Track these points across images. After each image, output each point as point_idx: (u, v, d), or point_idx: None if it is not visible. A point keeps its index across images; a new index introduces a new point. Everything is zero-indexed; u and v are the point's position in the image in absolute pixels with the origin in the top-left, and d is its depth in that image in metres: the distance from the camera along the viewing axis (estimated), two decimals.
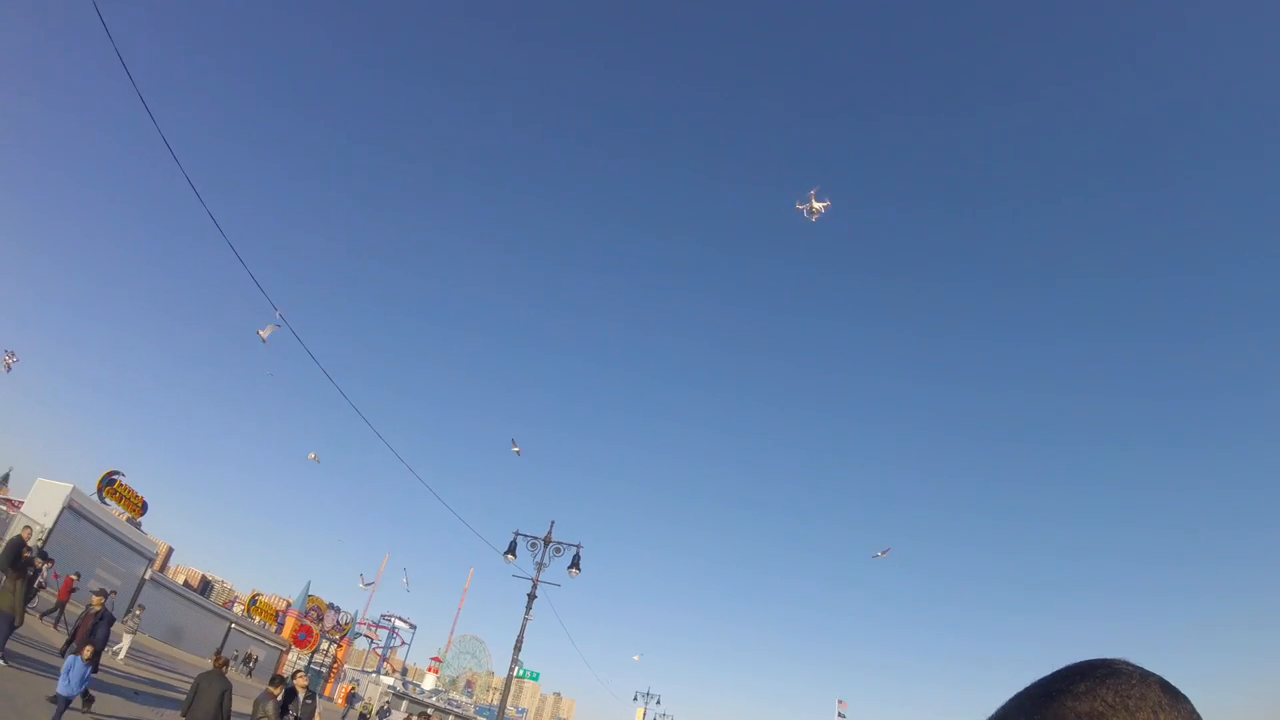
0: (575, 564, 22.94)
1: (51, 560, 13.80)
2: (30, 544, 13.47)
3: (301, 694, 11.88)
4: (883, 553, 55.10)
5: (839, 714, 78.84)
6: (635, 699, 66.91)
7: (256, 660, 45.71)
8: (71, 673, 8.65)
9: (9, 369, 41.36)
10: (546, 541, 23.07)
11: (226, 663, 11.45)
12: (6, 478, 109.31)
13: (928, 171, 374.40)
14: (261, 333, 27.51)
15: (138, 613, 27.57)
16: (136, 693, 16.44)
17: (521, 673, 25.62)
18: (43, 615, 21.97)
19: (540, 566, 22.80)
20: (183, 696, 10.52)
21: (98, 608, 10.26)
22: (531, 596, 22.74)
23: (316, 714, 11.51)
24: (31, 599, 12.33)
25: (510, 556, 22.69)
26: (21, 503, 41.93)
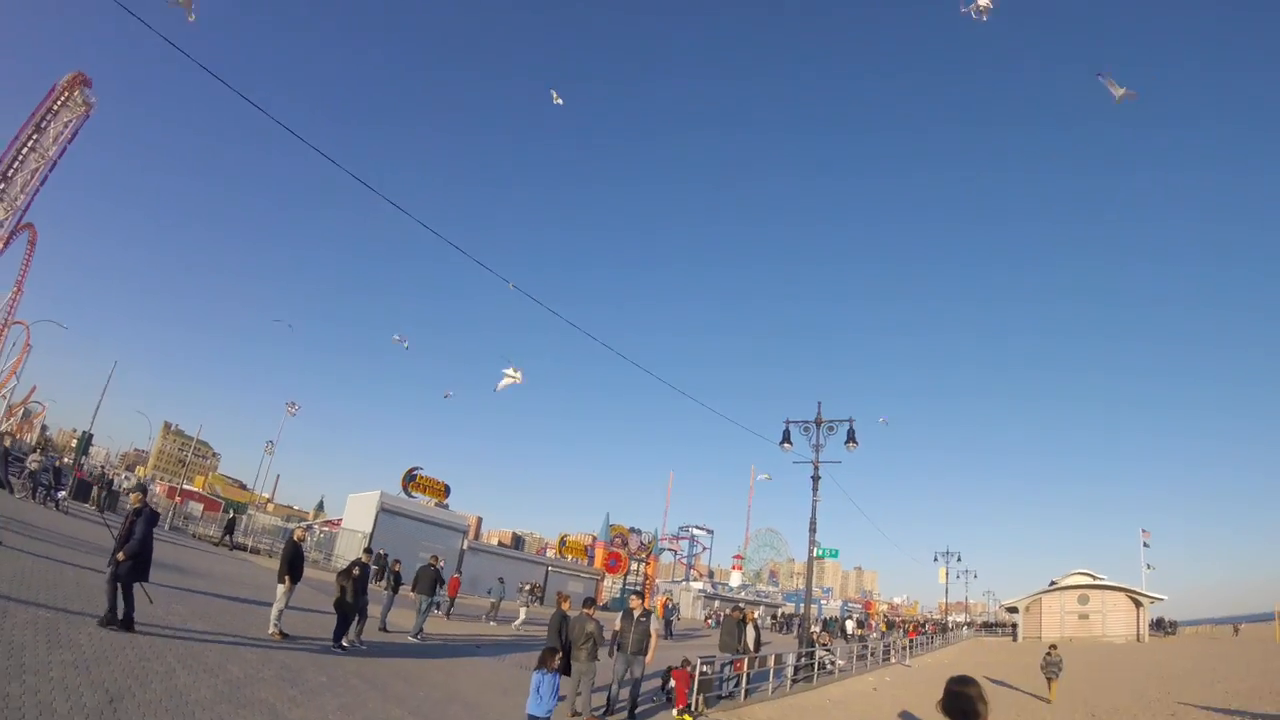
0: (851, 438, 22.40)
1: (373, 551, 15.55)
2: (364, 551, 15.57)
3: (637, 613, 12.55)
4: None
5: (1144, 543, 73.78)
6: (935, 560, 65.95)
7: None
8: (542, 688, 8.63)
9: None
10: (818, 423, 22.68)
11: (567, 599, 12.80)
12: (321, 505, 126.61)
13: None
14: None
15: (531, 587, 29.85)
16: (478, 647, 18.48)
17: (820, 552, 25.72)
18: (447, 614, 24.66)
19: (817, 448, 22.57)
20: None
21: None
22: (815, 479, 22.60)
23: (653, 631, 12.06)
24: (363, 594, 13.97)
25: (786, 445, 22.59)
26: (340, 520, 47.90)
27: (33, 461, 29.76)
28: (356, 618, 13.88)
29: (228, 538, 34.95)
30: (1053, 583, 75.18)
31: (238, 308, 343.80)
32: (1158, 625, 71.92)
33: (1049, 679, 22.33)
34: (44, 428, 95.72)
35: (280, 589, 13.15)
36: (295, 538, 14.36)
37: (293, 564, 13.35)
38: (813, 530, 22.71)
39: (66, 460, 44.99)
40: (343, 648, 13.27)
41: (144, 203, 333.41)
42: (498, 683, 13.35)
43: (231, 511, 46.20)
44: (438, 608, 23.52)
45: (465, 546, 44.34)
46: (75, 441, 67.45)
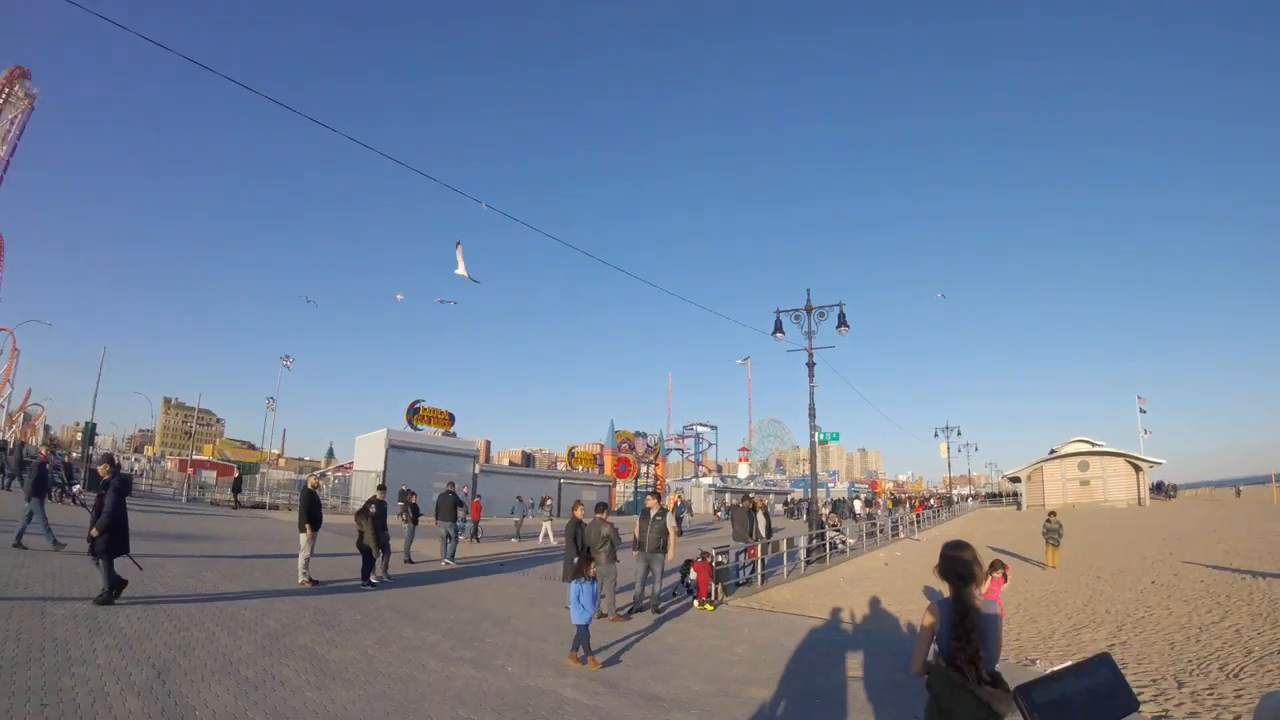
0: (842, 322, 22.58)
1: (386, 488, 15.80)
2: (378, 489, 15.74)
3: (653, 512, 12.92)
4: None
5: (1140, 410, 75.35)
6: (936, 436, 67.38)
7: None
8: (582, 597, 8.71)
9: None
10: (808, 310, 22.81)
11: (581, 506, 13.09)
12: (331, 452, 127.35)
13: None
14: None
15: (548, 501, 30.37)
16: (502, 565, 19.05)
17: (822, 436, 26.12)
18: (473, 538, 25.75)
19: (810, 335, 22.74)
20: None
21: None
22: (810, 365, 22.84)
23: (670, 528, 12.41)
24: (383, 530, 14.31)
25: (779, 335, 22.78)
26: (351, 463, 48.24)
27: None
28: (380, 554, 14.28)
29: (237, 498, 35.43)
30: (1053, 451, 77.22)
31: (218, 272, 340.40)
32: (1157, 489, 74.25)
33: (1050, 545, 22.87)
34: (47, 427, 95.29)
35: (303, 538, 13.43)
36: (310, 486, 14.61)
37: (311, 512, 13.62)
38: (812, 416, 23.10)
39: (75, 455, 45.00)
40: (371, 584, 13.68)
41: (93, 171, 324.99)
42: (523, 596, 13.83)
43: (237, 471, 46.66)
44: (463, 532, 24.03)
45: (477, 471, 45.06)
46: (80, 434, 67.39)
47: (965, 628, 3.88)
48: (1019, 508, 72.93)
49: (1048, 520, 23.27)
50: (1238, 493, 67.90)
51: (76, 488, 27.97)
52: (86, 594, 9.57)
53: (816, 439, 23.99)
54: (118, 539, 9.64)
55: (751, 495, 20.40)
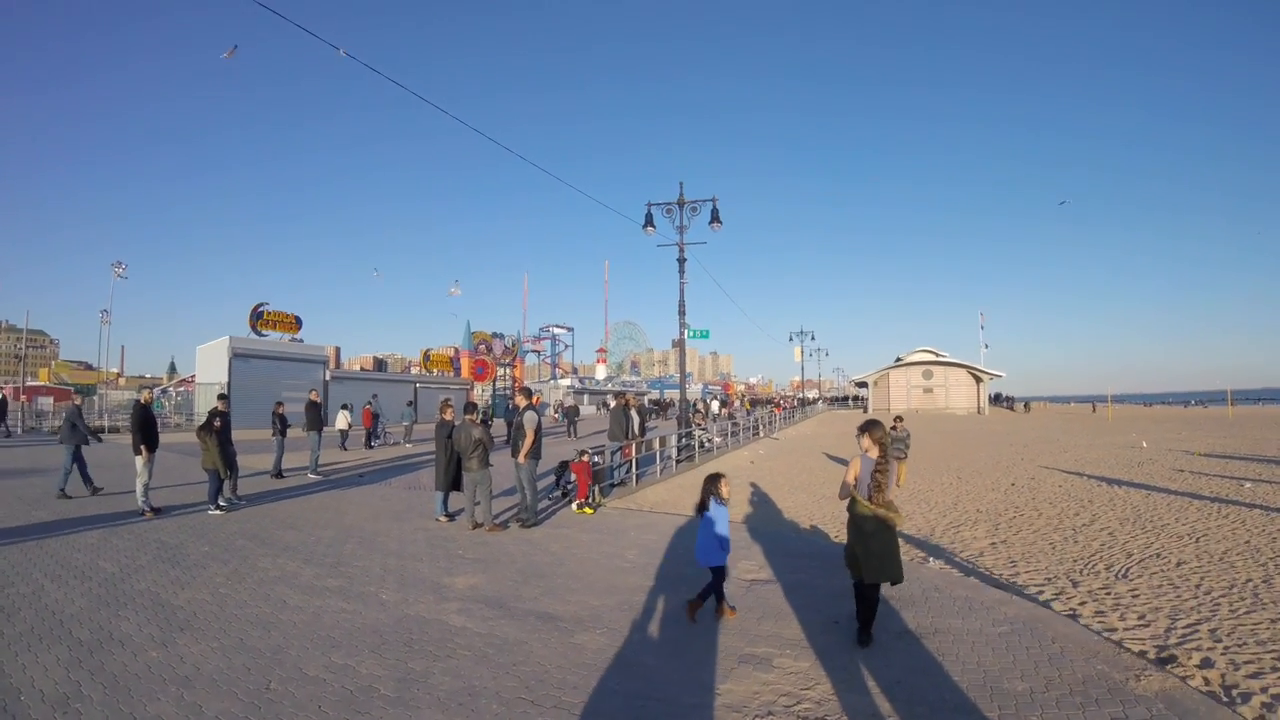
0: (715, 218, 22.06)
1: (228, 398, 14.27)
2: (219, 398, 14.01)
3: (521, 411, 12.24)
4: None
5: (981, 325, 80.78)
6: (791, 340, 69.77)
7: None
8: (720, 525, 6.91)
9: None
10: (680, 204, 22.11)
11: (450, 407, 12.22)
12: (173, 367, 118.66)
13: None
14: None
15: (408, 406, 30.47)
16: (361, 476, 18.08)
17: (692, 334, 26.16)
18: (367, 445, 26.61)
19: (681, 229, 22.12)
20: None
21: None
22: (681, 261, 22.36)
23: (527, 427, 11.70)
24: (229, 445, 12.88)
25: (649, 229, 22.05)
26: (193, 377, 44.74)
27: None
28: (229, 473, 12.90)
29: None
30: (899, 359, 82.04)
31: (35, 179, 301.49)
32: (996, 399, 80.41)
33: (894, 458, 16.81)
34: None
35: (139, 462, 12.09)
36: (143, 401, 13.04)
37: (145, 431, 12.25)
38: (682, 313, 22.86)
39: None
40: (221, 508, 12.36)
41: None
42: (389, 510, 12.91)
43: (75, 396, 42.16)
44: (350, 440, 26.38)
45: (328, 377, 43.17)
46: None
47: (881, 473, 6.14)
48: (865, 411, 77.43)
49: (892, 427, 17.37)
50: (1094, 409, 74.45)
51: None
52: None
53: (686, 336, 23.85)
54: None
55: (626, 393, 20.09)
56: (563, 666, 5.55)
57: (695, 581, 7.47)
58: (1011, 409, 79.89)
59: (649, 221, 21.99)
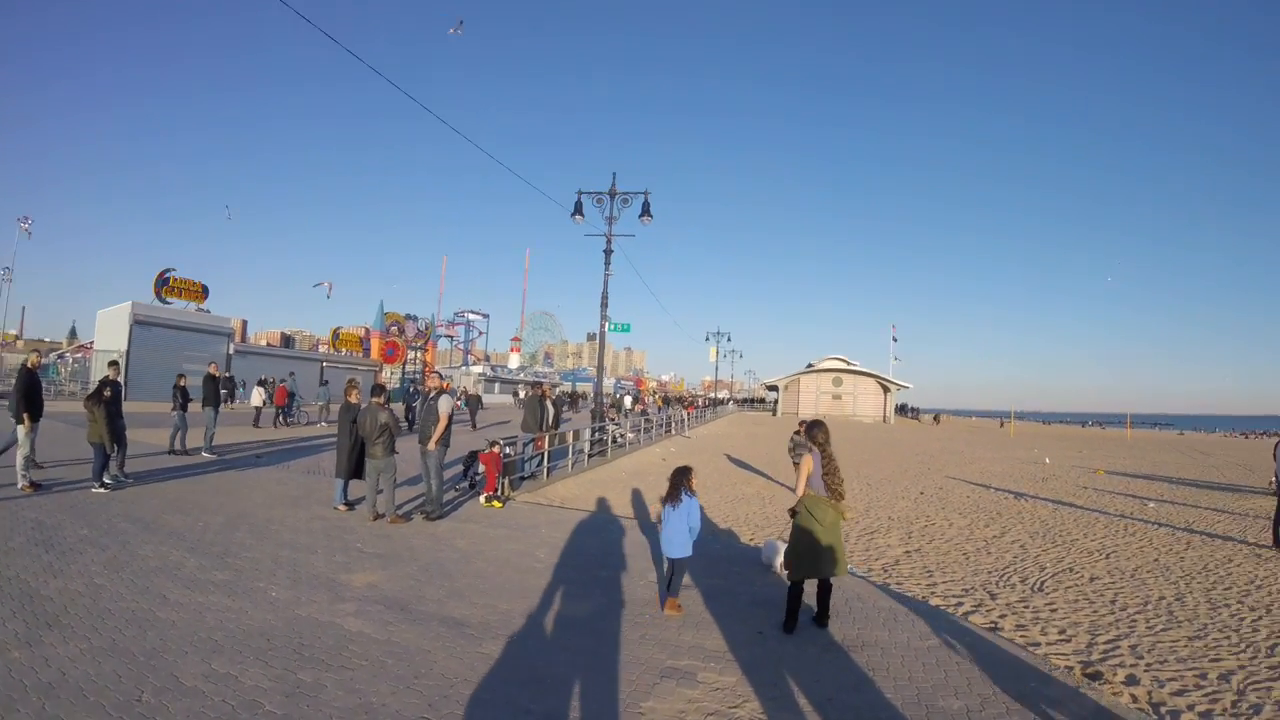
0: (646, 211, 21.66)
1: (118, 365, 13.17)
2: (109, 365, 13.11)
3: (431, 395, 11.55)
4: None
5: (893, 338, 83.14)
6: (707, 339, 70.44)
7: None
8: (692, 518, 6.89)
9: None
10: (612, 195, 21.63)
11: (356, 388, 11.54)
12: (74, 331, 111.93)
13: None
14: None
15: (322, 385, 29.99)
16: (259, 456, 17.13)
17: (613, 327, 25.78)
18: (277, 423, 25.85)
19: (610, 220, 21.62)
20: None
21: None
22: (608, 252, 21.88)
23: (440, 412, 11.03)
24: (119, 418, 11.85)
25: (578, 217, 21.39)
26: (92, 343, 42.00)
27: None
28: (116, 448, 11.82)
29: None
30: (810, 365, 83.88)
31: None
32: (902, 410, 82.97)
33: (795, 465, 14.45)
34: None
35: (21, 431, 11.03)
36: (29, 365, 11.74)
37: (29, 397, 11.17)
38: (604, 305, 22.39)
39: None
40: (105, 486, 11.26)
41: None
42: (285, 495, 12.06)
43: None
44: (289, 415, 27.06)
45: (231, 351, 41.26)
46: None
47: (831, 469, 6.50)
48: (774, 414, 78.96)
49: (795, 433, 16.76)
50: (1001, 424, 77.20)
51: None
52: None
53: (607, 328, 23.42)
54: None
55: (542, 383, 19.54)
56: (470, 680, 5.02)
57: (610, 585, 7.08)
58: (918, 419, 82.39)
59: (579, 209, 21.39)
